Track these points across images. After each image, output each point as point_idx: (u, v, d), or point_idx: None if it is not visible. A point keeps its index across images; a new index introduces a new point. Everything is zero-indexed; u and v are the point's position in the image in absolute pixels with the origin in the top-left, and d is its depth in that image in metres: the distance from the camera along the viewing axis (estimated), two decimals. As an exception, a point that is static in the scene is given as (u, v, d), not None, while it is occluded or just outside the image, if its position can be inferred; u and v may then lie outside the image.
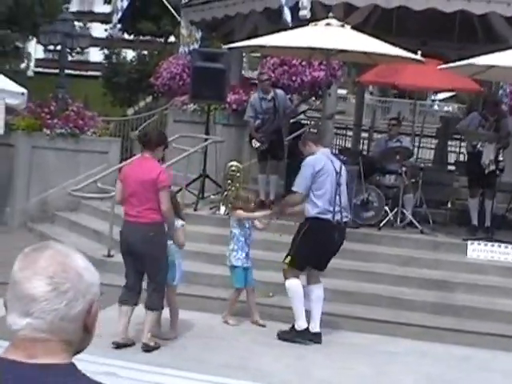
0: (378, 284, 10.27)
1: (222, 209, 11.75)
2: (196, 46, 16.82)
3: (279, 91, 12.65)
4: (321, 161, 8.24)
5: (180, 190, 11.98)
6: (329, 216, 8.17)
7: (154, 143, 7.75)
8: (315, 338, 8.31)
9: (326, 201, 8.16)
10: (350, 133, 21.06)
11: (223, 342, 8.16)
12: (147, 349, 7.54)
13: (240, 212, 8.74)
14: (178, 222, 7.90)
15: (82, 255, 1.93)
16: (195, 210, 11.97)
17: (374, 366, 7.77)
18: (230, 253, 8.74)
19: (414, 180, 12.08)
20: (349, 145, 20.14)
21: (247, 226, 8.78)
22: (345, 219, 8.40)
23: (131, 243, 7.61)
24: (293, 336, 8.28)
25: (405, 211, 11.72)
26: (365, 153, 16.73)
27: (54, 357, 1.81)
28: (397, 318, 9.48)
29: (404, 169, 11.80)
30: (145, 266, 7.58)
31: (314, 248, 8.22)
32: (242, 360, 7.58)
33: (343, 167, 8.51)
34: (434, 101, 46.18)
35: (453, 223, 12.28)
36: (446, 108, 44.38)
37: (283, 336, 8.33)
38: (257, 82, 13.40)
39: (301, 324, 8.29)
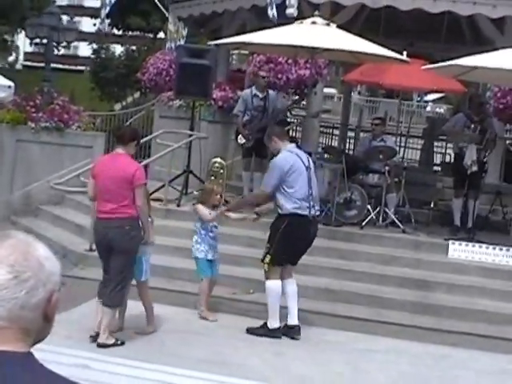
0: (358, 282, 10.30)
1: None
2: (182, 42, 16.81)
3: (271, 92, 12.73)
4: (289, 159, 8.29)
5: (163, 185, 12.00)
6: (306, 211, 8.24)
7: (127, 138, 7.70)
8: (293, 333, 8.38)
9: (301, 197, 8.21)
10: (336, 132, 21.09)
11: (202, 336, 8.17)
12: (106, 346, 7.46)
13: (198, 207, 8.79)
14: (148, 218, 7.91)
15: (43, 245, 1.93)
16: (178, 205, 11.97)
17: (351, 363, 7.80)
18: (193, 245, 8.79)
19: (397, 179, 12.12)
20: (335, 144, 20.17)
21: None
22: (317, 212, 8.53)
23: (109, 239, 7.52)
24: (264, 333, 8.35)
25: (387, 210, 11.75)
26: (350, 152, 16.76)
27: (10, 344, 1.82)
28: (376, 316, 9.52)
29: (387, 168, 11.83)
30: (116, 259, 7.48)
31: (293, 244, 8.28)
32: (220, 355, 7.60)
33: (310, 160, 8.57)
34: (426, 102, 46.28)
35: (435, 223, 12.32)
36: (437, 109, 44.45)
37: (253, 331, 8.40)
38: (251, 74, 13.48)
39: (273, 323, 8.36)
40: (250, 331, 8.42)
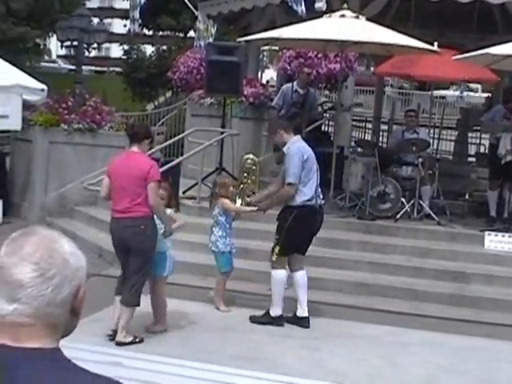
0: (394, 276, 10.24)
1: (238, 202, 11.73)
2: (211, 40, 16.84)
3: (312, 90, 12.77)
4: (304, 149, 8.38)
5: (196, 183, 12.02)
6: (313, 201, 8.35)
7: (141, 136, 7.69)
8: (303, 323, 8.49)
9: (311, 188, 8.32)
10: (369, 125, 20.98)
11: (236, 333, 8.17)
12: (125, 345, 7.43)
13: (226, 202, 8.83)
14: (167, 210, 7.92)
15: (68, 239, 1.93)
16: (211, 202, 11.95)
17: (387, 357, 7.74)
18: (216, 239, 8.82)
19: (430, 171, 12.03)
20: (368, 137, 20.06)
21: (228, 215, 8.93)
22: (322, 201, 8.64)
23: (125, 239, 7.50)
24: (266, 320, 8.45)
25: (422, 203, 11.66)
26: (384, 145, 16.65)
27: (39, 341, 1.83)
28: (413, 309, 9.44)
29: (421, 160, 11.73)
30: (133, 259, 7.42)
31: (302, 234, 8.40)
32: (255, 351, 7.59)
33: (312, 152, 8.59)
34: (461, 91, 45.66)
35: (470, 215, 12.20)
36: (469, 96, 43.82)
37: (256, 320, 8.50)
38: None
39: (276, 311, 8.47)
40: (253, 320, 8.53)
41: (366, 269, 10.36)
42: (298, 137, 8.72)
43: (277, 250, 8.39)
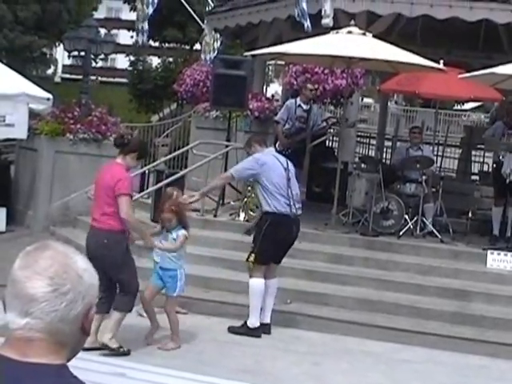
0: (397, 292, 10.23)
1: (242, 215, 11.78)
2: (214, 54, 16.90)
3: (315, 106, 12.85)
4: (265, 157, 8.53)
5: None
6: (287, 210, 8.41)
7: (127, 149, 7.59)
8: (265, 329, 8.57)
9: (281, 196, 8.40)
10: (373, 141, 21.02)
11: (240, 346, 8.18)
12: (107, 351, 7.34)
13: None
14: (180, 233, 7.82)
15: (82, 256, 1.93)
16: (215, 216, 12.00)
17: (390, 374, 7.75)
18: None
19: (434, 189, 12.04)
20: (372, 153, 20.08)
21: None
22: (299, 211, 8.60)
23: (88, 248, 7.45)
24: (244, 331, 8.49)
25: (425, 220, 11.68)
26: (387, 161, 16.67)
27: (46, 357, 1.81)
28: (415, 326, 9.43)
29: (424, 177, 11.76)
30: (108, 271, 7.20)
31: (275, 243, 8.45)
32: (257, 365, 7.60)
33: (289, 163, 8.70)
34: (465, 110, 45.77)
35: (473, 233, 12.20)
36: (474, 117, 43.95)
37: (234, 330, 8.55)
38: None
39: (254, 322, 8.51)
40: (231, 330, 8.57)
41: (368, 285, 10.36)
42: (270, 149, 8.93)
43: (252, 258, 8.51)
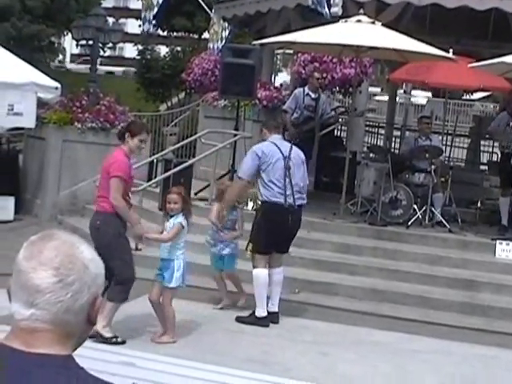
0: (405, 282, 10.21)
1: (250, 204, 11.76)
2: (222, 43, 16.86)
3: (323, 95, 12.81)
4: (265, 147, 8.49)
5: (208, 185, 12.02)
6: (281, 199, 8.34)
7: (121, 132, 7.74)
8: (273, 318, 8.56)
9: (274, 185, 8.35)
10: (382, 131, 20.98)
11: (247, 335, 8.17)
12: (100, 338, 7.15)
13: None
14: (175, 221, 7.61)
15: (88, 245, 1.90)
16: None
17: (398, 364, 7.72)
18: (230, 244, 8.81)
19: (443, 179, 12.00)
20: (381, 143, 20.04)
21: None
22: (298, 202, 8.49)
23: (89, 230, 7.57)
24: (252, 321, 8.46)
25: (434, 210, 11.64)
26: (396, 151, 16.63)
27: (52, 347, 1.79)
28: (423, 316, 9.42)
29: (433, 167, 11.71)
30: (101, 256, 7.19)
31: (268, 231, 8.42)
32: (265, 354, 7.58)
33: (294, 150, 8.60)
34: (474, 100, 45.64)
35: (482, 223, 12.17)
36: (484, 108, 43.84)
37: (242, 320, 8.52)
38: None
39: (261, 312, 8.48)
40: (239, 320, 8.55)
41: (377, 275, 10.34)
42: (277, 136, 8.76)
43: (249, 247, 8.53)
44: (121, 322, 7.84)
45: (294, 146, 8.71)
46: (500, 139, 12.39)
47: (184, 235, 7.68)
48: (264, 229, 8.43)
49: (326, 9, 12.46)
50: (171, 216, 7.65)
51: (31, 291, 1.78)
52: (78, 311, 1.82)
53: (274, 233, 8.45)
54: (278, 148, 8.50)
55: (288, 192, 8.38)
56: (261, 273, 8.49)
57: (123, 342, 7.40)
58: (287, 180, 8.38)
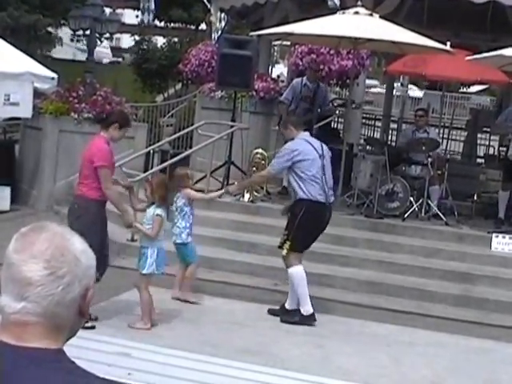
0: (400, 275, 10.21)
1: (246, 196, 11.76)
2: (218, 34, 16.85)
3: (322, 86, 12.75)
4: (300, 145, 8.42)
5: (204, 176, 12.01)
6: (322, 196, 8.32)
7: (108, 121, 7.77)
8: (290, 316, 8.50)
9: (316, 183, 8.30)
10: (379, 123, 20.98)
11: (244, 327, 8.18)
12: None
13: (192, 192, 8.85)
14: (154, 212, 7.74)
15: (79, 237, 1.88)
16: (220, 196, 11.95)
17: (393, 356, 7.74)
18: (181, 231, 8.67)
19: (440, 171, 12.00)
20: (378, 135, 20.05)
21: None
22: (331, 198, 8.55)
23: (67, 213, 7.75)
24: (300, 320, 8.38)
25: (430, 202, 11.64)
26: (393, 143, 16.63)
27: (43, 341, 1.78)
28: (419, 309, 9.42)
29: (430, 160, 11.71)
30: None
31: (311, 230, 8.38)
32: (260, 346, 7.59)
33: (325, 148, 8.59)
34: (470, 93, 45.59)
35: (478, 216, 12.18)
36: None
37: (287, 320, 8.41)
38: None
39: (307, 309, 8.39)
40: (283, 320, 8.43)
41: (372, 267, 10.34)
42: (305, 133, 8.72)
43: (287, 245, 8.35)
44: (117, 312, 7.85)
45: (322, 143, 8.65)
46: (504, 132, 12.38)
47: (163, 226, 7.86)
48: (307, 227, 8.30)
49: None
50: (152, 203, 7.85)
51: (22, 284, 1.76)
52: (69, 304, 1.80)
53: (315, 231, 8.42)
54: (312, 145, 8.44)
55: (326, 190, 8.36)
56: (298, 270, 8.36)
57: (93, 327, 7.30)
58: (323, 178, 8.35)
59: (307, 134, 8.78)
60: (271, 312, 8.59)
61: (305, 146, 8.40)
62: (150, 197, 7.91)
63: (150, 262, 7.67)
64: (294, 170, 8.35)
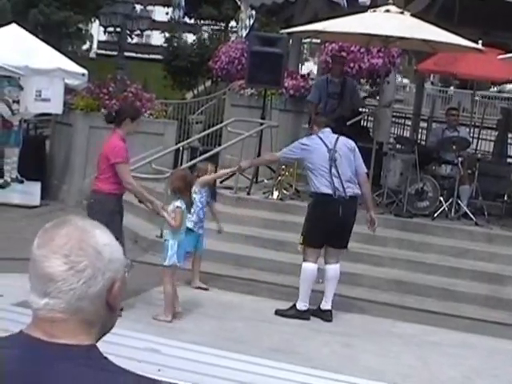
0: (430, 274, 10.17)
1: (275, 194, 11.76)
2: (247, 31, 16.84)
3: (350, 79, 12.66)
4: (309, 140, 8.62)
5: (233, 174, 12.01)
6: (329, 190, 8.25)
7: (119, 118, 7.86)
8: (326, 316, 8.47)
9: (321, 176, 8.30)
10: (409, 122, 20.87)
11: (272, 325, 8.17)
12: None
13: (204, 177, 8.98)
14: (174, 204, 7.83)
15: (103, 230, 1.85)
16: (249, 193, 11.98)
17: (422, 356, 7.70)
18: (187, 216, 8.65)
19: (470, 171, 11.92)
20: (407, 134, 19.94)
21: (204, 194, 8.97)
22: (349, 192, 8.34)
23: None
24: (292, 314, 8.42)
25: (460, 202, 11.57)
26: (422, 142, 16.54)
27: (74, 337, 1.77)
28: (448, 309, 9.38)
29: (460, 159, 11.64)
30: None
31: (317, 222, 8.35)
32: (289, 344, 7.58)
33: (340, 141, 8.51)
34: (502, 92, 45.14)
35: (508, 216, 12.07)
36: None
37: (282, 313, 8.46)
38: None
39: (302, 306, 8.43)
40: (278, 312, 8.48)
41: (402, 266, 10.30)
42: (326, 129, 8.71)
43: (300, 239, 8.48)
44: (145, 308, 7.88)
45: (341, 137, 8.60)
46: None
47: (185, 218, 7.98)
48: (314, 220, 8.36)
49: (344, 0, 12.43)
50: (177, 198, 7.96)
51: (45, 280, 1.76)
52: (94, 298, 1.78)
53: (323, 225, 8.31)
54: (322, 140, 8.45)
55: (336, 183, 8.27)
56: (308, 267, 8.37)
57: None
58: (333, 171, 8.29)
59: (327, 129, 8.75)
60: (314, 314, 8.55)
61: (314, 141, 8.52)
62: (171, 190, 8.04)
63: (171, 254, 7.78)
64: (306, 166, 8.54)
